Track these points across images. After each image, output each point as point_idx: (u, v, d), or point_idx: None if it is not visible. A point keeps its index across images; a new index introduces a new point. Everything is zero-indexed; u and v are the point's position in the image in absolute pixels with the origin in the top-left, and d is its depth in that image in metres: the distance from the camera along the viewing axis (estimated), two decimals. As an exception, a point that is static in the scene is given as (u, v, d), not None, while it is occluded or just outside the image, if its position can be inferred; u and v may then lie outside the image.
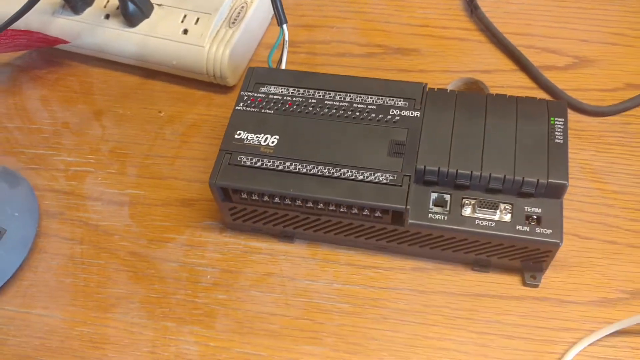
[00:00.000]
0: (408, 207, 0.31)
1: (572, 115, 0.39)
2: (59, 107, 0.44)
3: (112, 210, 0.39)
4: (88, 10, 0.44)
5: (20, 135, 0.43)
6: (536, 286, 0.33)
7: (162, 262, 0.36)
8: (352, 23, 0.45)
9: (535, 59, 0.41)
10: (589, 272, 0.33)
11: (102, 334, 0.34)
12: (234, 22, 0.41)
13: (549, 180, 0.31)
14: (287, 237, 0.36)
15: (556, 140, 0.32)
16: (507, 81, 0.41)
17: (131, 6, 0.41)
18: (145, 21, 0.42)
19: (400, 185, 0.31)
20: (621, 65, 0.41)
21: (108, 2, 0.43)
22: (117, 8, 0.43)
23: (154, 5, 0.43)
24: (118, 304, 0.35)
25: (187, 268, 0.36)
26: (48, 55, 0.46)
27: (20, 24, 0.42)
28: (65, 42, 0.44)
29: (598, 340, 0.31)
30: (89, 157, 0.41)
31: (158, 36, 0.42)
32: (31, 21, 0.43)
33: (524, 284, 0.33)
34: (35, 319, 0.35)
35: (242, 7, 0.42)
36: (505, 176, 0.31)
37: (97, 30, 0.43)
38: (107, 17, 0.43)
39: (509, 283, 0.34)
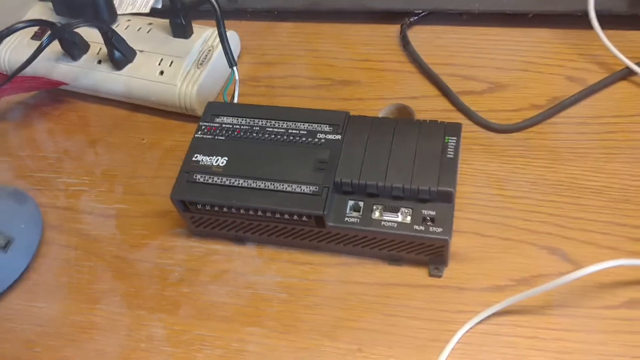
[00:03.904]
0: (325, 212, 0.38)
1: (483, 133, 0.46)
2: (62, 138, 0.53)
3: (101, 221, 0.47)
4: (84, 57, 0.53)
5: (30, 162, 0.51)
6: (440, 276, 0.40)
7: (139, 263, 0.44)
8: (305, 59, 0.53)
9: (456, 85, 0.48)
10: (485, 265, 0.40)
11: (90, 322, 0.42)
12: (201, 64, 0.50)
13: (439, 188, 0.38)
14: (240, 241, 0.44)
15: (448, 156, 0.39)
16: (430, 105, 0.48)
17: (117, 53, 0.50)
18: (129, 65, 0.51)
19: (321, 195, 0.39)
20: (529, 89, 0.47)
21: (100, 50, 0.52)
22: (107, 55, 0.51)
23: (137, 51, 0.51)
24: (103, 297, 0.43)
25: (158, 267, 0.44)
26: (54, 94, 0.55)
27: (28, 71, 0.51)
28: (65, 83, 0.53)
29: (485, 319, 0.38)
30: (84, 179, 0.49)
31: (139, 77, 0.50)
32: (38, 67, 0.52)
33: (430, 274, 0.40)
34: (37, 310, 0.43)
35: (209, 50, 0.51)
36: (403, 186, 0.38)
37: (91, 74, 0.52)
38: (99, 62, 0.52)
39: (418, 274, 0.40)
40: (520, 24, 0.51)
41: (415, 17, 0.52)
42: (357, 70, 0.51)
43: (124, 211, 0.47)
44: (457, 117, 0.47)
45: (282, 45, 0.54)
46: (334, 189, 0.39)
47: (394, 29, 0.53)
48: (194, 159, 0.42)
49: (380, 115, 0.48)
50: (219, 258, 0.43)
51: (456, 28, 0.52)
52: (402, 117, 0.47)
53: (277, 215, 0.39)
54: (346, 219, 0.39)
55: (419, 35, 0.52)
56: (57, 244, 0.46)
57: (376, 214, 0.39)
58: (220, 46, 0.50)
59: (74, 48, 0.52)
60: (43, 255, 0.46)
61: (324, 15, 0.55)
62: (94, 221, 0.47)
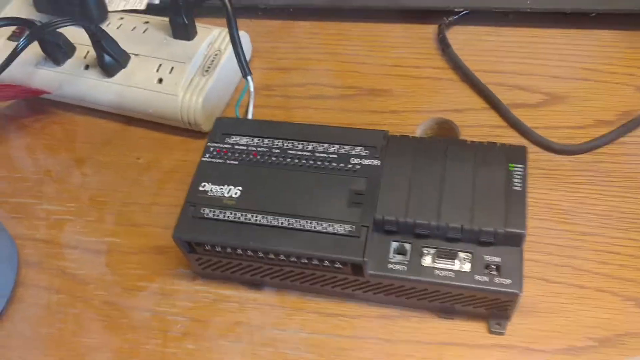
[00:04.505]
0: (366, 259, 0.31)
1: (541, 154, 0.39)
2: (43, 155, 0.45)
3: (88, 258, 0.39)
4: (69, 62, 0.45)
5: (5, 185, 0.44)
6: (502, 334, 0.33)
7: (134, 310, 0.37)
8: (326, 65, 0.46)
9: (505, 96, 0.41)
10: (556, 319, 0.33)
11: (74, 385, 0.35)
12: (207, 70, 0.42)
13: (507, 230, 0.31)
14: (256, 285, 0.36)
15: (514, 188, 0.32)
16: (477, 120, 0.41)
17: (107, 58, 0.43)
18: (123, 71, 0.44)
19: (359, 237, 0.31)
20: (592, 102, 0.40)
21: (88, 52, 0.45)
22: (96, 59, 0.44)
23: (131, 55, 0.44)
24: (90, 353, 0.36)
25: (158, 317, 0.36)
26: (35, 103, 0.48)
27: (4, 77, 0.43)
28: (47, 92, 0.45)
29: (562, 389, 0.31)
30: (69, 206, 0.42)
31: (134, 86, 0.43)
32: (15, 73, 0.44)
33: (490, 331, 0.33)
34: (10, 370, 0.36)
35: (216, 54, 0.43)
36: (462, 226, 0.31)
37: (77, 81, 0.44)
38: (86, 67, 0.45)
39: (475, 330, 0.33)
40: (576, 25, 0.44)
41: (455, 17, 0.45)
42: (388, 77, 0.44)
43: (115, 246, 0.40)
44: (509, 134, 0.40)
45: (300, 47, 0.47)
46: (373, 228, 0.32)
47: (430, 30, 0.46)
48: (201, 188, 0.35)
49: (417, 132, 0.41)
50: (230, 306, 0.36)
51: (501, 29, 0.45)
52: (450, 137, 0.40)
53: (304, 261, 0.32)
54: (390, 266, 0.32)
55: (459, 37, 0.45)
56: (36, 285, 0.39)
57: (427, 260, 0.32)
58: (229, 49, 0.43)
59: (57, 51, 0.44)
60: (19, 300, 0.38)
61: (348, 14, 0.47)
62: (80, 258, 0.39)
